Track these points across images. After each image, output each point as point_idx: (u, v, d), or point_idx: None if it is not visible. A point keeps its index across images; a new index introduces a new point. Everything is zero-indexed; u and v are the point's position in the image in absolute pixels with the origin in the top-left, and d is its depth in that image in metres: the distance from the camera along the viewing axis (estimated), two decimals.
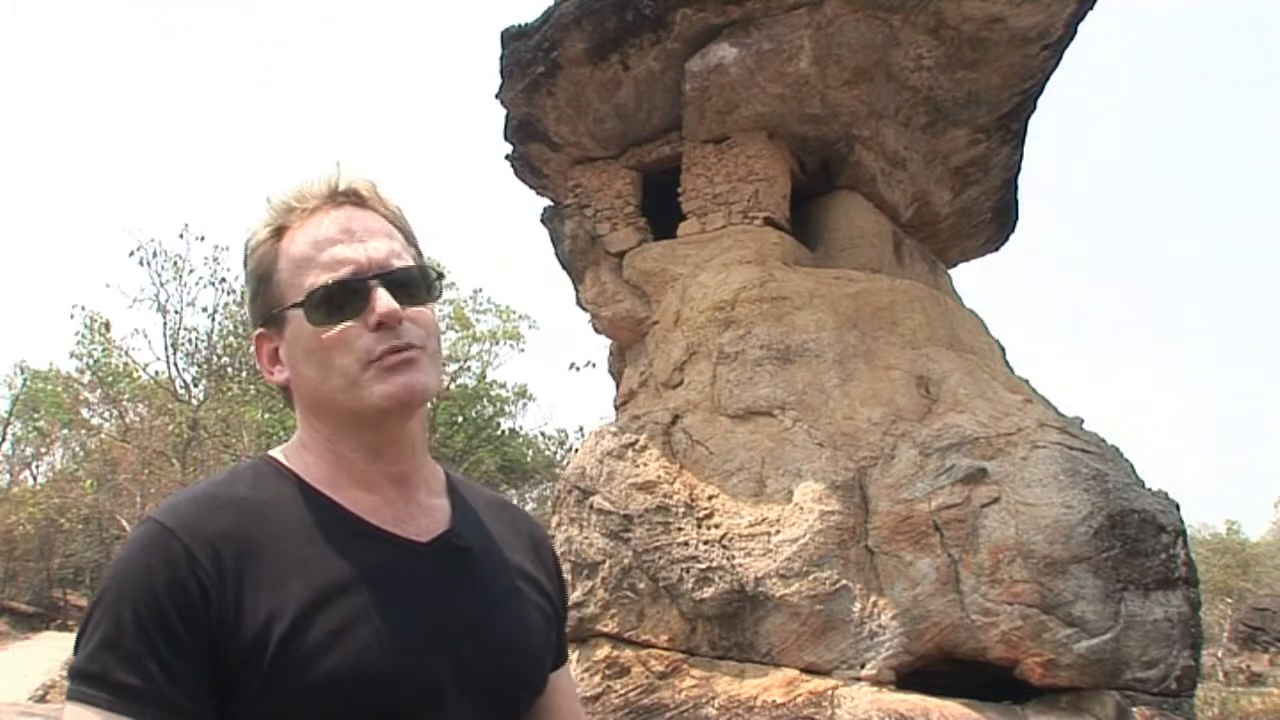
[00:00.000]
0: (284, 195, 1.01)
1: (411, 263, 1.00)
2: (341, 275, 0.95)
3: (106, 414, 20.39)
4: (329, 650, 0.87)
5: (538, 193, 10.70)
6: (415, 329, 0.97)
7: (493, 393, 22.41)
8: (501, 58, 9.37)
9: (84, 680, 0.83)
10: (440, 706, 0.92)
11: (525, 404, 23.94)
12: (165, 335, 17.15)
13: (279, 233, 1.00)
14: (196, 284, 17.10)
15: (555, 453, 23.48)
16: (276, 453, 1.03)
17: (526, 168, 10.29)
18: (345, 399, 0.96)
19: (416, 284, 0.99)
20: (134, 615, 0.84)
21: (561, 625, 1.16)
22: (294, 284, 0.97)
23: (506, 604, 1.03)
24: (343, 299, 0.95)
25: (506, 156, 10.41)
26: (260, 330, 1.02)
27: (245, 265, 1.03)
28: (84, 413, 20.43)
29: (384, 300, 0.94)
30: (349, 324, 0.94)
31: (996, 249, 12.12)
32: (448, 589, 0.98)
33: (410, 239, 1.05)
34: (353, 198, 1.01)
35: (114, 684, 0.82)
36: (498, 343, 21.42)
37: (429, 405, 1.19)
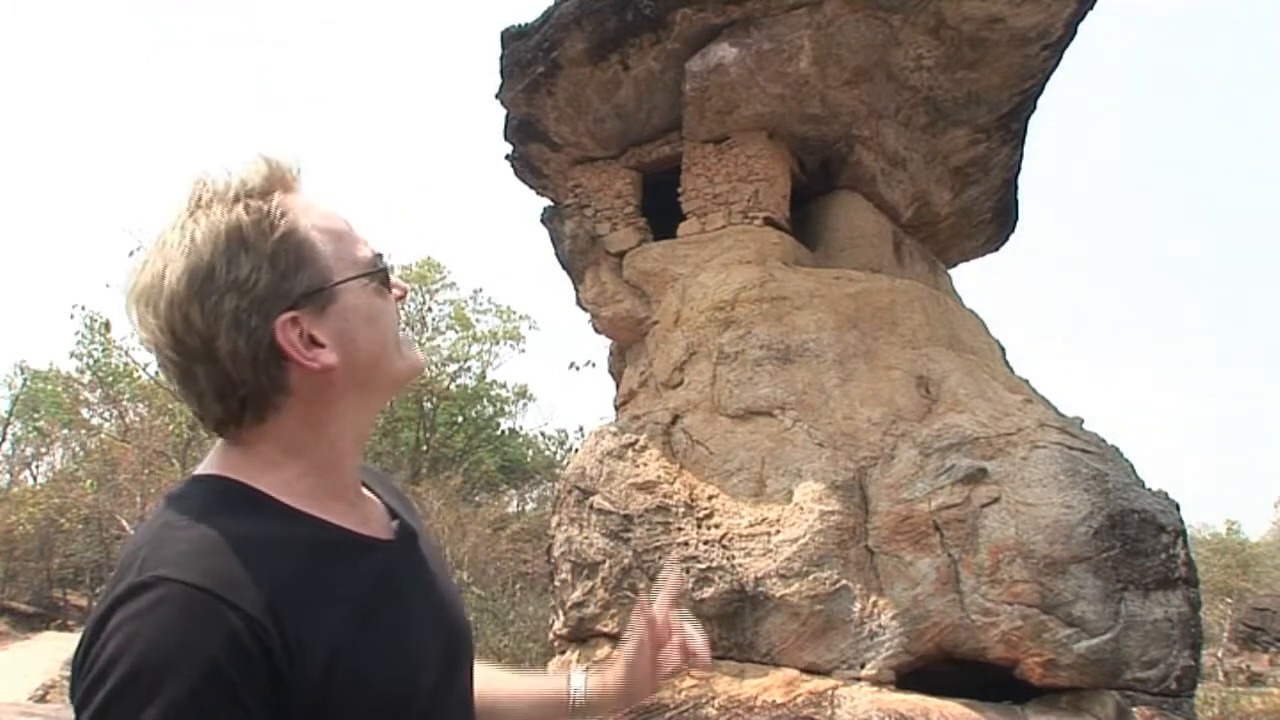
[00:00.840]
0: (277, 167, 0.93)
1: None
2: (376, 249, 0.98)
3: (106, 414, 20.40)
4: (379, 670, 0.86)
5: (538, 193, 10.70)
6: None
7: (493, 393, 22.43)
8: (501, 58, 9.37)
9: None
10: (451, 689, 0.97)
11: (525, 404, 23.98)
12: None
13: (281, 213, 0.91)
14: None
15: (555, 453, 23.49)
16: (233, 475, 0.90)
17: (526, 168, 10.29)
18: (396, 365, 0.98)
19: None
20: (192, 696, 0.72)
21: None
22: (343, 257, 0.92)
23: (449, 579, 1.08)
24: (384, 272, 0.98)
25: (506, 156, 10.41)
26: (292, 314, 0.88)
27: (267, 242, 0.88)
28: (84, 413, 20.43)
29: (397, 275, 1.00)
30: (393, 295, 0.99)
31: (996, 249, 12.13)
32: (424, 580, 1.01)
33: None
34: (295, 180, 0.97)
35: None
36: (498, 343, 21.44)
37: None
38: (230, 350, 0.86)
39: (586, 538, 7.51)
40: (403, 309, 1.00)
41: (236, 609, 0.76)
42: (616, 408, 9.30)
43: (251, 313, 0.86)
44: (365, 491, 1.03)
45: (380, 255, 0.98)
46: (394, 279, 0.99)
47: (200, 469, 0.93)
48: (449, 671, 0.97)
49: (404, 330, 1.00)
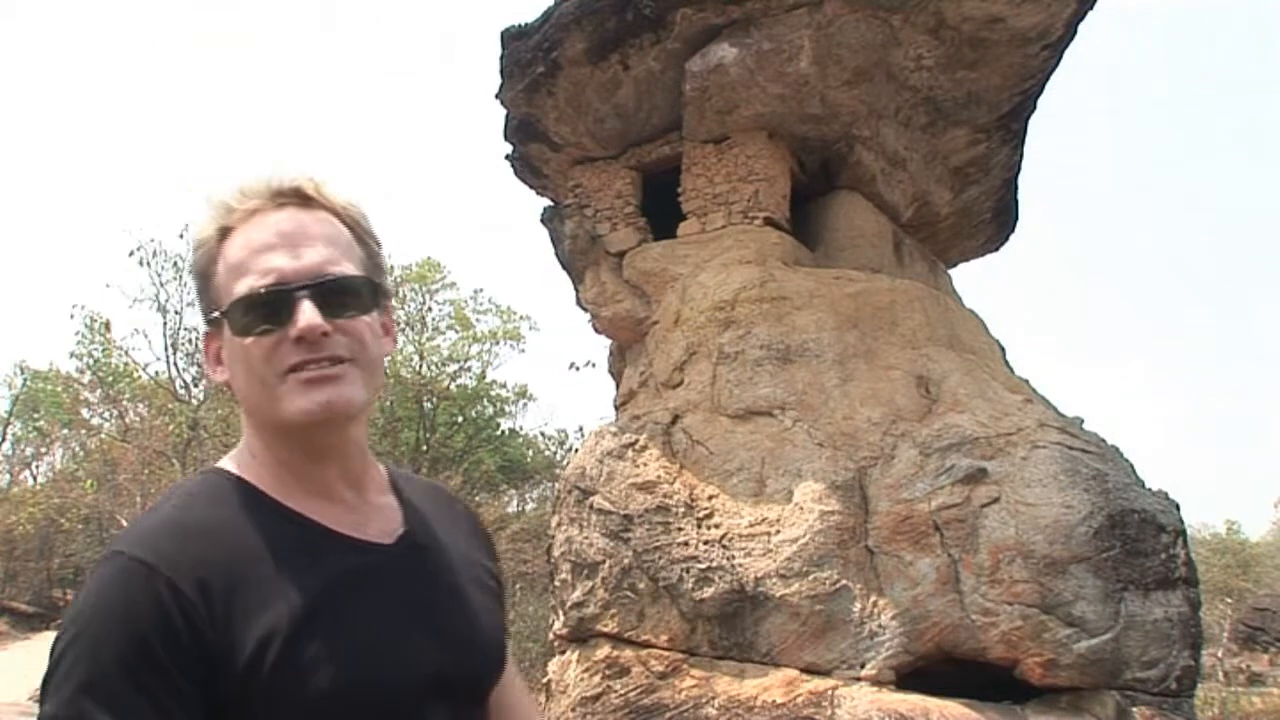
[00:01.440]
0: (223, 194, 0.97)
1: (348, 271, 0.96)
2: (265, 284, 0.93)
3: (106, 414, 20.39)
4: (321, 665, 0.86)
5: (538, 193, 10.70)
6: (345, 340, 0.94)
7: (493, 393, 22.42)
8: (501, 58, 9.37)
9: None
10: (428, 706, 0.93)
11: (525, 404, 23.95)
12: (165, 335, 17.16)
13: (223, 233, 0.97)
14: None
15: (555, 453, 23.46)
16: (227, 464, 1.00)
17: (526, 168, 10.29)
18: (267, 408, 0.94)
19: (351, 292, 0.96)
20: (118, 657, 0.80)
21: (504, 603, 1.18)
22: (227, 290, 0.95)
23: (468, 597, 1.05)
24: (266, 309, 0.92)
25: (506, 156, 10.41)
26: (207, 329, 1.01)
27: (190, 261, 1.02)
28: (84, 413, 20.42)
29: (306, 313, 0.92)
30: (271, 334, 0.92)
31: (996, 249, 12.13)
32: (419, 589, 0.99)
33: (362, 237, 1.01)
34: (295, 197, 0.98)
35: None
36: (498, 343, 21.42)
37: (375, 407, 1.19)
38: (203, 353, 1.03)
39: (586, 538, 7.51)
40: (315, 349, 0.92)
41: (174, 588, 0.83)
42: (616, 408, 9.30)
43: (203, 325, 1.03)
44: (388, 498, 1.05)
45: (252, 294, 0.93)
46: (301, 316, 0.91)
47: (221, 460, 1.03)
48: (442, 683, 0.95)
49: (310, 371, 0.92)
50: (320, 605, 0.89)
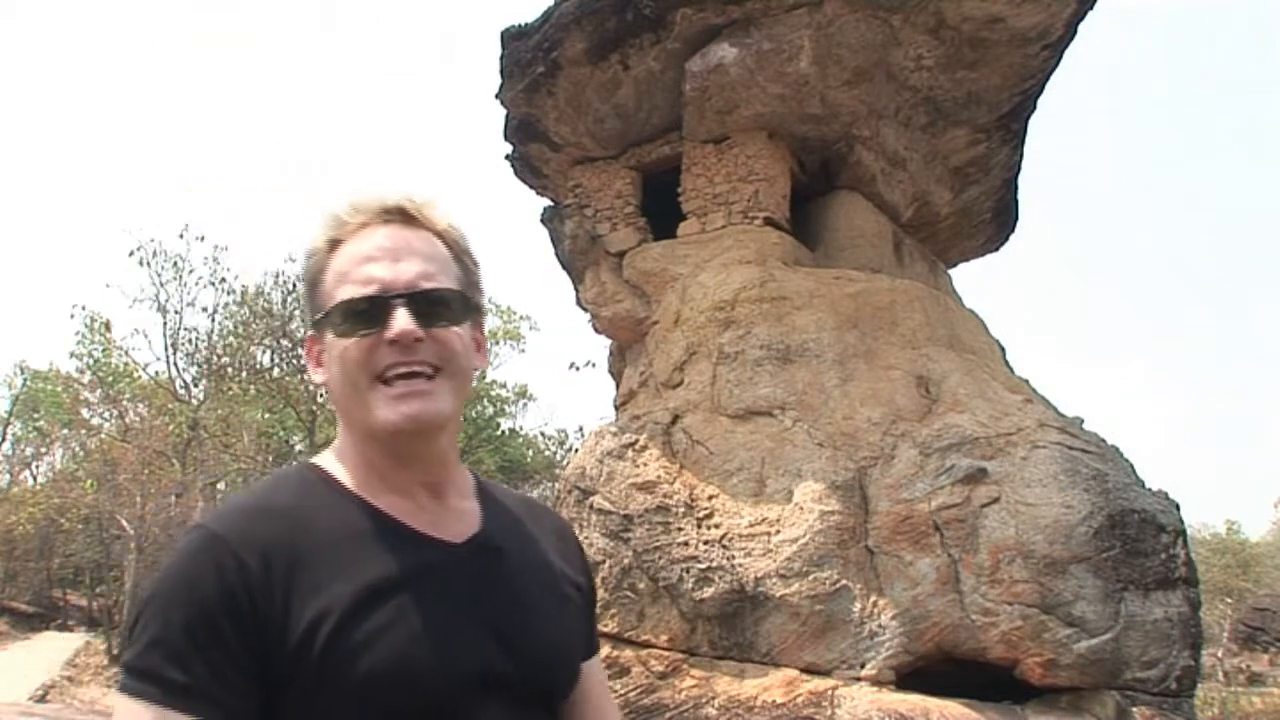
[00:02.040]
0: (336, 209, 1.06)
1: (443, 284, 1.03)
2: (366, 292, 1.00)
3: (106, 414, 20.38)
4: (371, 648, 0.91)
5: (538, 193, 10.70)
6: (436, 349, 1.01)
7: (493, 393, 22.41)
8: (501, 58, 9.37)
9: (134, 675, 0.88)
10: (478, 702, 0.96)
11: (525, 404, 23.97)
12: (165, 335, 17.16)
13: (332, 245, 1.05)
14: (196, 284, 17.10)
15: (555, 453, 23.47)
16: (319, 459, 1.08)
17: (526, 168, 10.29)
18: (358, 412, 1.02)
19: (445, 304, 1.03)
20: (184, 618, 0.88)
21: (592, 617, 1.21)
22: (331, 295, 1.03)
23: (539, 601, 1.07)
24: (366, 314, 1.00)
25: (506, 156, 10.41)
26: (311, 333, 1.08)
27: (302, 270, 1.11)
28: (84, 413, 20.41)
29: (401, 319, 0.98)
30: (367, 339, 0.99)
31: (996, 249, 12.13)
32: (482, 589, 1.02)
33: (459, 256, 1.09)
34: (400, 215, 1.05)
35: (163, 680, 0.86)
36: (498, 343, 21.41)
37: (462, 418, 1.21)
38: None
39: (586, 538, 7.51)
40: (407, 353, 0.98)
41: (234, 554, 0.91)
42: (616, 408, 9.30)
43: (307, 329, 1.11)
44: (469, 503, 1.10)
45: (353, 300, 1.00)
46: (396, 322, 0.98)
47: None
48: (489, 685, 0.97)
49: (415, 381, 0.99)
50: (377, 592, 0.94)
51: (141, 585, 15.94)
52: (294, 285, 15.90)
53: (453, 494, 1.09)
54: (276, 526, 0.95)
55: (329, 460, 1.07)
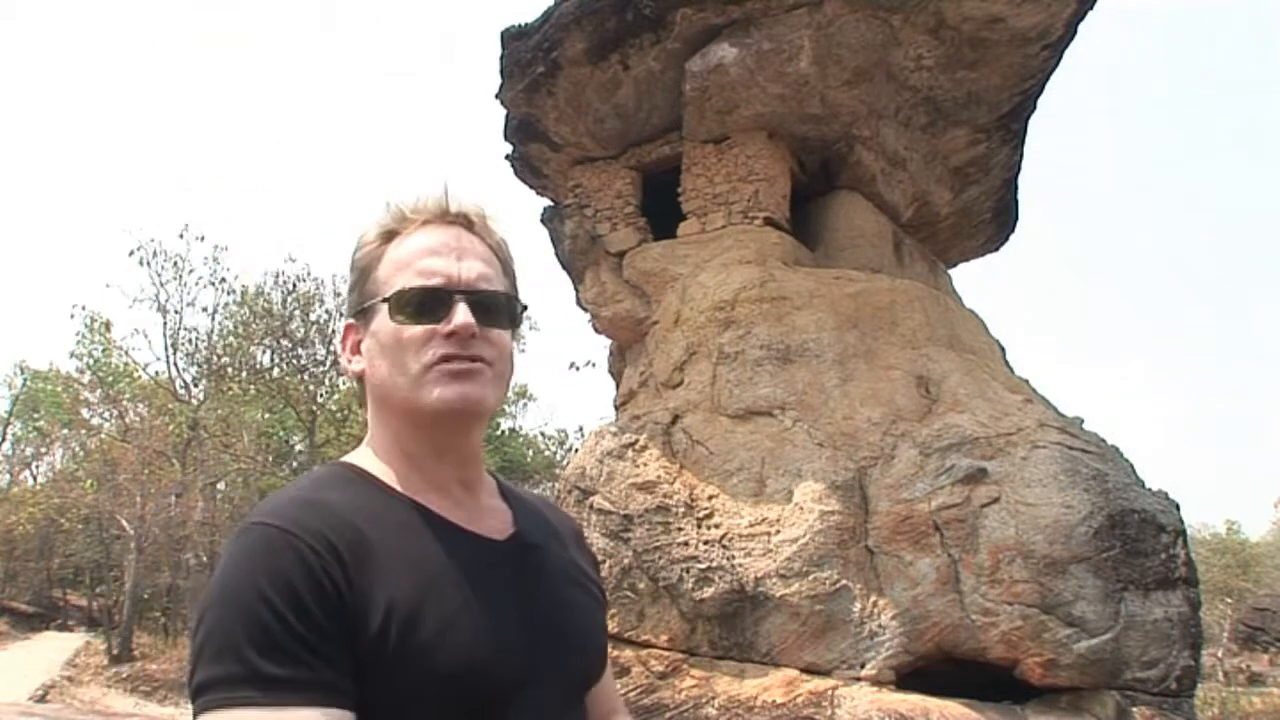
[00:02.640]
0: (401, 204, 1.08)
1: (499, 289, 1.07)
2: (432, 284, 1.02)
3: (106, 414, 20.39)
4: (441, 642, 0.91)
5: (538, 193, 10.70)
6: (488, 347, 1.03)
7: None
8: (501, 58, 9.37)
9: (227, 686, 0.81)
10: (528, 693, 0.98)
11: (525, 404, 23.99)
12: (165, 335, 17.17)
13: (389, 236, 1.08)
14: (196, 284, 17.14)
15: (555, 453, 23.49)
16: (351, 458, 1.07)
17: (526, 168, 10.29)
18: (407, 395, 1.01)
19: (500, 309, 1.06)
20: (274, 610, 0.84)
21: (605, 612, 1.25)
22: (389, 282, 1.04)
23: (574, 596, 1.12)
24: (427, 304, 1.02)
25: (506, 156, 10.41)
26: (351, 321, 1.09)
27: (351, 258, 1.10)
28: (84, 413, 20.42)
29: (462, 313, 1.01)
30: (427, 327, 1.01)
31: (996, 249, 12.13)
32: (528, 583, 1.05)
33: (508, 270, 1.13)
34: (462, 220, 1.09)
35: (266, 679, 0.81)
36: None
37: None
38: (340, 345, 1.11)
39: (586, 537, 7.50)
40: (463, 346, 1.00)
41: (307, 544, 0.89)
42: (616, 408, 9.29)
43: (345, 317, 1.11)
44: (497, 502, 1.12)
45: (419, 289, 1.02)
46: (458, 314, 1.00)
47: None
48: (536, 677, 0.99)
49: (457, 365, 1.00)
50: (438, 586, 0.95)
51: (135, 587, 15.92)
52: (294, 285, 15.91)
53: (484, 492, 1.11)
54: (331, 518, 0.93)
55: (363, 458, 1.06)
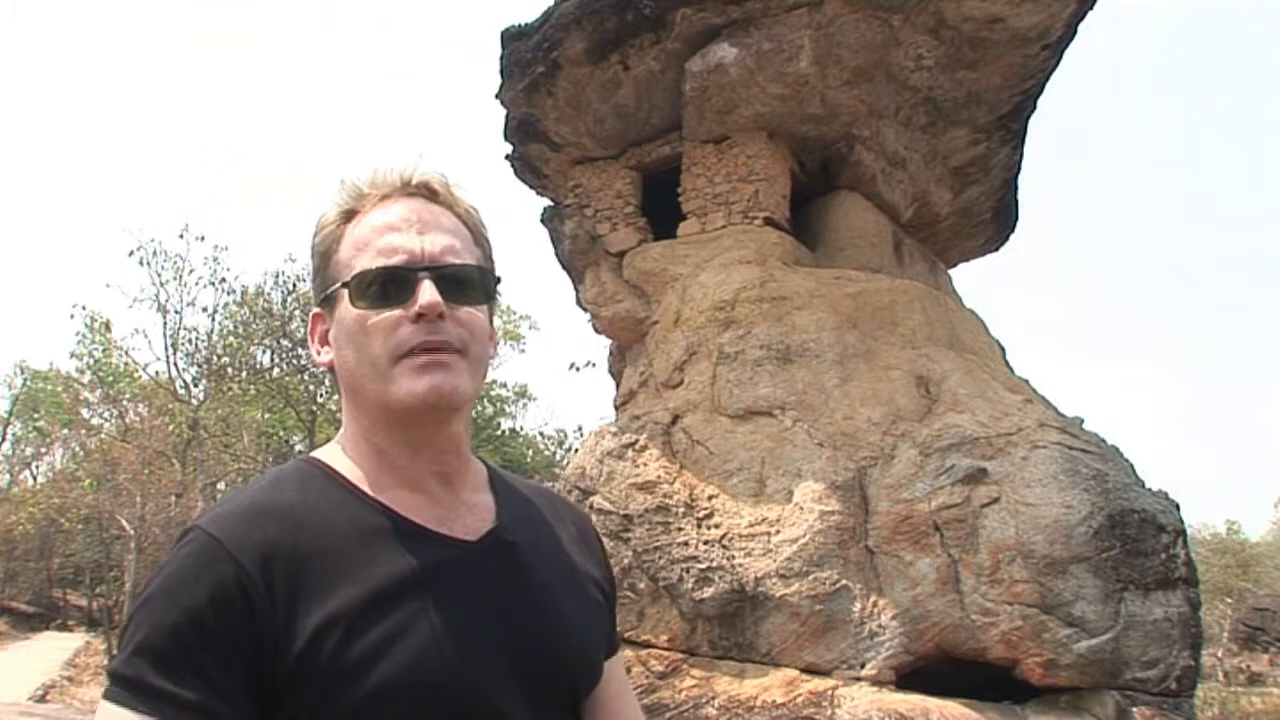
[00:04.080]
0: (358, 180, 1.01)
1: (468, 261, 0.99)
2: (392, 263, 0.95)
3: (106, 414, 20.40)
4: (382, 658, 0.85)
5: (538, 193, 10.70)
6: (458, 329, 0.95)
7: (493, 393, 22.43)
8: (501, 58, 9.37)
9: (119, 682, 0.83)
10: (498, 706, 0.91)
11: (525, 404, 23.99)
12: (165, 335, 17.13)
13: (348, 216, 1.00)
14: (196, 284, 17.08)
15: (555, 453, 23.49)
16: (320, 454, 1.02)
17: (526, 168, 10.29)
18: (374, 389, 0.95)
19: (470, 283, 0.98)
20: (173, 624, 0.83)
21: (613, 614, 1.15)
22: (349, 265, 0.97)
23: (559, 598, 1.02)
24: (389, 286, 0.94)
25: (506, 156, 10.41)
26: (316, 310, 1.02)
27: (311, 243, 1.03)
28: (84, 413, 20.43)
29: (427, 292, 0.93)
30: (391, 312, 0.94)
31: (996, 249, 12.13)
32: (500, 587, 0.97)
33: (479, 240, 1.05)
34: (424, 191, 1.01)
35: (147, 688, 0.81)
36: (498, 343, 21.45)
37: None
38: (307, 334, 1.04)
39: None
40: (431, 330, 0.93)
41: (231, 558, 0.86)
42: (616, 408, 9.29)
43: (312, 306, 1.04)
44: (483, 496, 1.04)
45: (378, 270, 0.94)
46: (423, 294, 0.93)
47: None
48: (510, 685, 0.92)
49: (439, 354, 0.93)
50: (387, 596, 0.89)
51: (140, 587, 15.93)
52: (294, 285, 15.91)
53: (466, 486, 1.03)
54: (277, 527, 0.89)
55: (332, 454, 1.00)
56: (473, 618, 0.92)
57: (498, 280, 1.04)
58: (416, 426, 0.96)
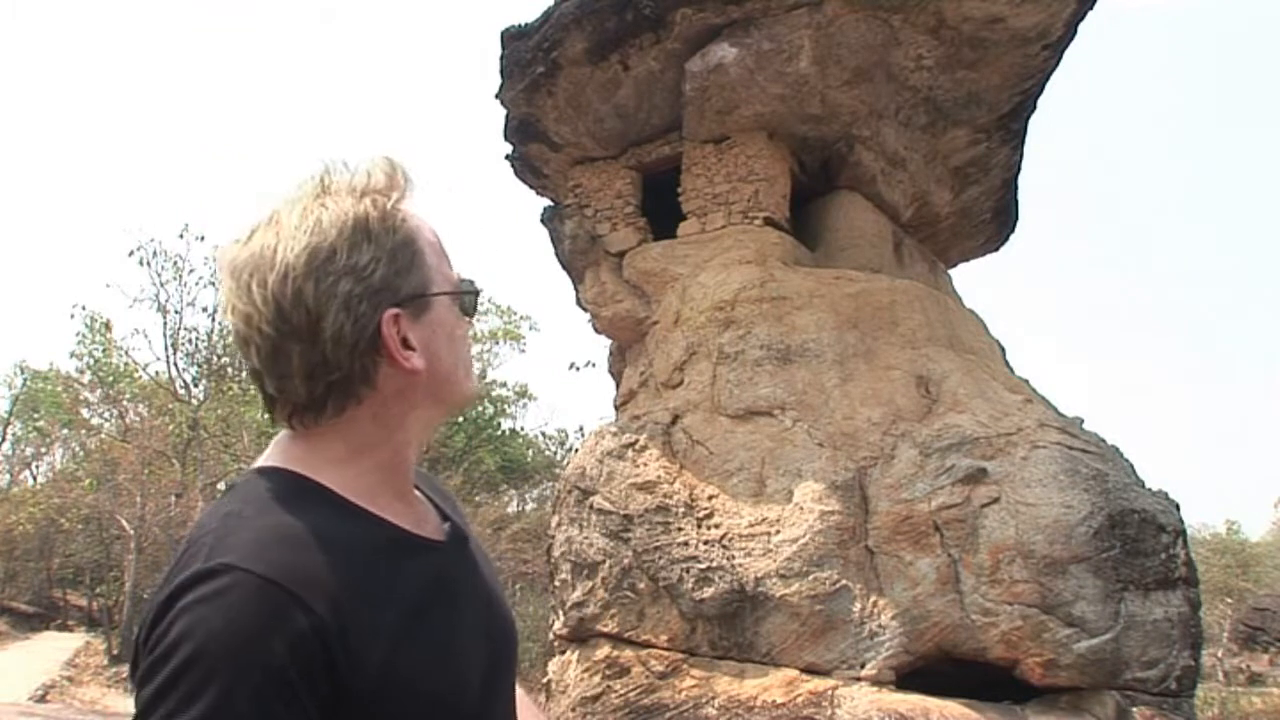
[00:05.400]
0: (398, 168, 0.97)
1: None
2: (471, 279, 1.03)
3: (106, 414, 20.39)
4: (431, 673, 0.87)
5: (538, 193, 10.70)
6: None
7: (493, 393, 22.41)
8: (501, 58, 9.37)
9: None
10: (493, 697, 0.96)
11: (525, 404, 23.96)
12: (165, 335, 17.14)
13: (405, 215, 0.96)
14: (196, 284, 17.09)
15: (555, 453, 23.47)
16: (296, 468, 0.91)
17: (526, 168, 10.29)
18: (464, 386, 1.02)
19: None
20: (252, 685, 0.72)
21: None
22: (442, 273, 0.98)
23: (496, 579, 1.08)
24: (474, 300, 1.03)
25: (506, 156, 10.41)
26: (396, 310, 0.91)
27: (382, 230, 0.92)
28: (84, 413, 20.42)
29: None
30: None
31: (996, 249, 12.12)
32: (473, 582, 1.02)
33: None
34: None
35: None
36: (498, 343, 21.43)
37: (451, 419, 1.25)
38: (335, 332, 0.87)
39: (586, 538, 7.51)
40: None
41: (306, 608, 0.77)
42: (616, 408, 9.29)
43: (363, 300, 0.89)
44: (417, 493, 1.05)
45: (469, 281, 1.02)
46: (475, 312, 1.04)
47: (261, 461, 0.94)
48: (495, 675, 0.97)
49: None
50: (421, 609, 0.89)
51: (138, 591, 15.95)
52: None
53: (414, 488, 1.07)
54: (322, 558, 0.82)
55: (316, 469, 0.91)
56: (473, 615, 0.97)
57: None
58: (441, 423, 1.05)
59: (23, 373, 23.85)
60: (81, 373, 19.94)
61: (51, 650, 15.69)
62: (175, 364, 17.42)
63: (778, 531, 6.86)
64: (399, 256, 0.92)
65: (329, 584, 0.80)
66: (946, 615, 6.39)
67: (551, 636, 8.14)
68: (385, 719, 0.81)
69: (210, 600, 0.75)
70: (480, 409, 22.00)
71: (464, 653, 0.92)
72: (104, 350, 19.06)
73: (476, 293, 1.02)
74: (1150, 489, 6.80)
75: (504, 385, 22.91)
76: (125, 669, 13.93)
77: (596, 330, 9.72)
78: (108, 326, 18.31)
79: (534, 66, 8.93)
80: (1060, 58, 8.81)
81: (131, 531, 15.85)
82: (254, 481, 0.90)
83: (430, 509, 1.04)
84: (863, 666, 6.42)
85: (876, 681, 6.35)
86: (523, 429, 24.21)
